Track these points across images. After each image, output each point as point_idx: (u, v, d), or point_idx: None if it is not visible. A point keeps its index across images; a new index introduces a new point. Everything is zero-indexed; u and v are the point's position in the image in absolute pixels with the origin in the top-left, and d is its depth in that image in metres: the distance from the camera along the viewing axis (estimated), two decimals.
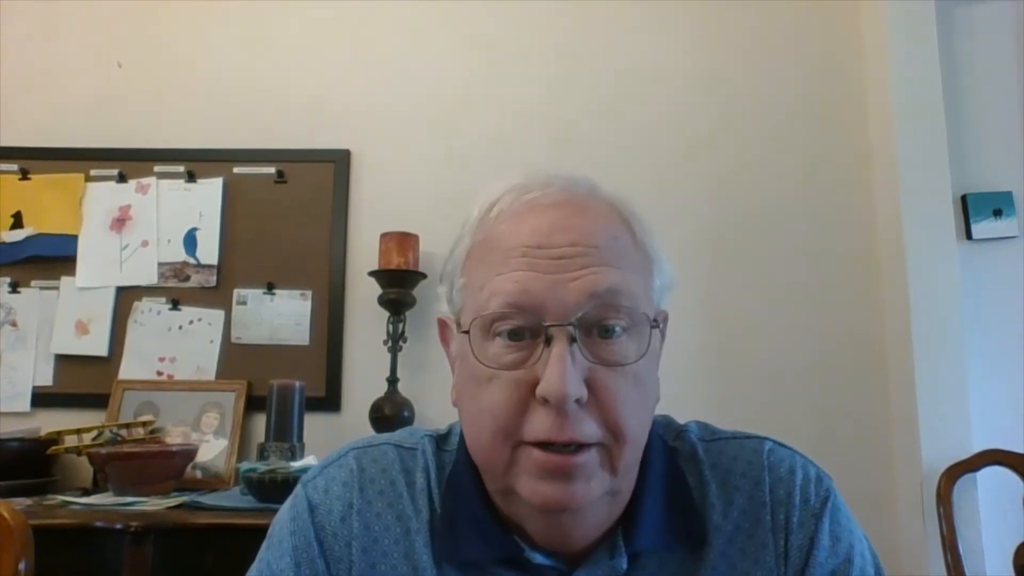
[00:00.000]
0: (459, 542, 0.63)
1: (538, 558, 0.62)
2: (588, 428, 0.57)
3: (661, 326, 0.65)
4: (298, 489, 0.69)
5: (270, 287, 2.03)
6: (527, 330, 0.58)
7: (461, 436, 0.68)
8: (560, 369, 0.55)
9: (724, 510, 0.65)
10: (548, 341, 0.57)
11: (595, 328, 0.58)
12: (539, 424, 0.57)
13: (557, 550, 0.63)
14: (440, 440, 0.71)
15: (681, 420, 0.74)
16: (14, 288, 2.04)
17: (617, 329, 0.59)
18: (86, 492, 1.73)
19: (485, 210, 0.64)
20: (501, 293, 0.58)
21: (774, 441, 0.70)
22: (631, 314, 0.59)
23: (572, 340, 0.57)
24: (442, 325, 0.70)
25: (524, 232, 0.60)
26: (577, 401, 0.56)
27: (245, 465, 1.56)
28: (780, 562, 0.64)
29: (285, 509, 0.69)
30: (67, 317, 2.01)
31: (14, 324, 2.03)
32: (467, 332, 0.60)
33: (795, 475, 0.67)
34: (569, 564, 0.63)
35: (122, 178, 2.08)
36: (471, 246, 0.64)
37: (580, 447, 0.57)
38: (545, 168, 0.67)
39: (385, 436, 0.72)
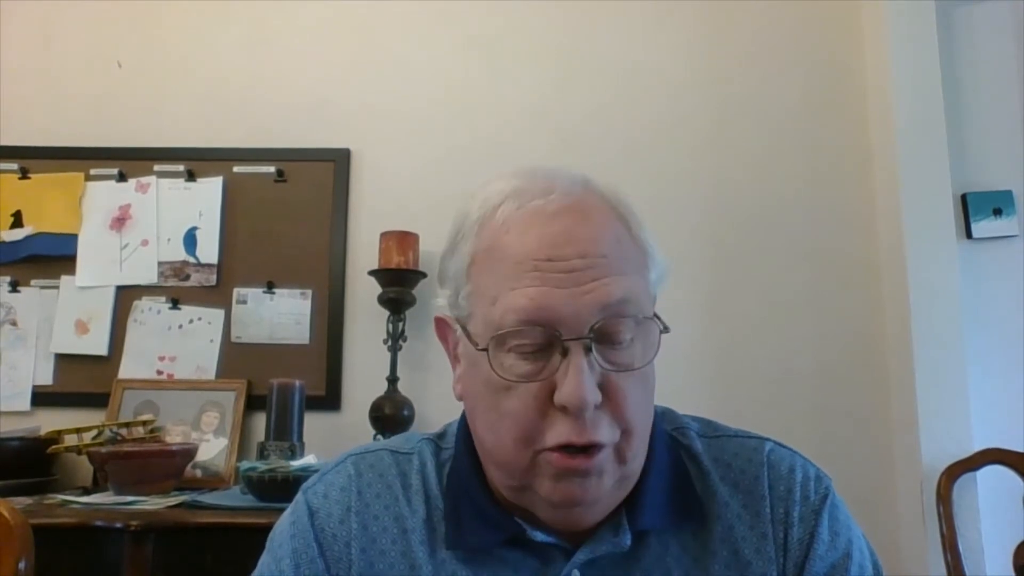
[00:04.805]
0: (464, 531, 0.65)
1: (540, 536, 0.64)
2: (604, 430, 0.60)
3: (661, 324, 0.66)
4: (298, 496, 0.72)
5: (270, 286, 2.03)
6: (543, 343, 0.60)
7: (458, 432, 0.71)
8: (579, 379, 0.58)
9: (726, 500, 0.67)
10: (565, 352, 0.59)
11: (607, 337, 0.61)
12: (560, 430, 0.59)
13: (562, 531, 0.65)
14: (437, 441, 0.73)
15: None
16: (14, 287, 2.04)
17: (628, 337, 0.61)
18: (86, 491, 1.74)
19: (487, 214, 0.64)
20: (516, 309, 0.59)
21: (775, 442, 0.72)
22: (638, 320, 0.62)
23: (588, 350, 0.59)
24: (441, 323, 0.71)
25: (531, 243, 0.61)
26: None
27: (245, 464, 1.56)
28: (780, 553, 0.66)
29: (286, 515, 0.71)
30: (67, 316, 2.02)
31: (14, 323, 2.03)
32: (485, 349, 0.61)
33: (795, 473, 0.69)
34: (572, 543, 0.65)
35: (122, 177, 2.08)
36: (475, 252, 0.64)
37: (598, 448, 0.60)
38: (539, 166, 0.67)
39: (382, 443, 0.75)
